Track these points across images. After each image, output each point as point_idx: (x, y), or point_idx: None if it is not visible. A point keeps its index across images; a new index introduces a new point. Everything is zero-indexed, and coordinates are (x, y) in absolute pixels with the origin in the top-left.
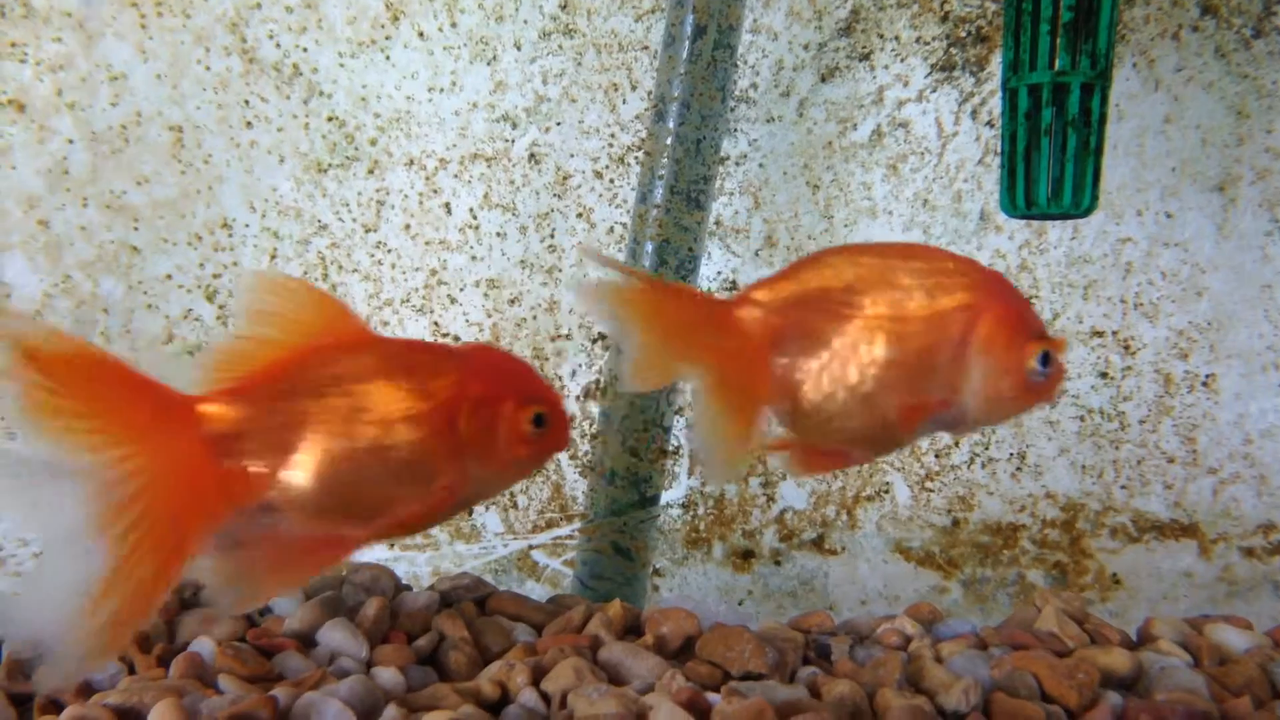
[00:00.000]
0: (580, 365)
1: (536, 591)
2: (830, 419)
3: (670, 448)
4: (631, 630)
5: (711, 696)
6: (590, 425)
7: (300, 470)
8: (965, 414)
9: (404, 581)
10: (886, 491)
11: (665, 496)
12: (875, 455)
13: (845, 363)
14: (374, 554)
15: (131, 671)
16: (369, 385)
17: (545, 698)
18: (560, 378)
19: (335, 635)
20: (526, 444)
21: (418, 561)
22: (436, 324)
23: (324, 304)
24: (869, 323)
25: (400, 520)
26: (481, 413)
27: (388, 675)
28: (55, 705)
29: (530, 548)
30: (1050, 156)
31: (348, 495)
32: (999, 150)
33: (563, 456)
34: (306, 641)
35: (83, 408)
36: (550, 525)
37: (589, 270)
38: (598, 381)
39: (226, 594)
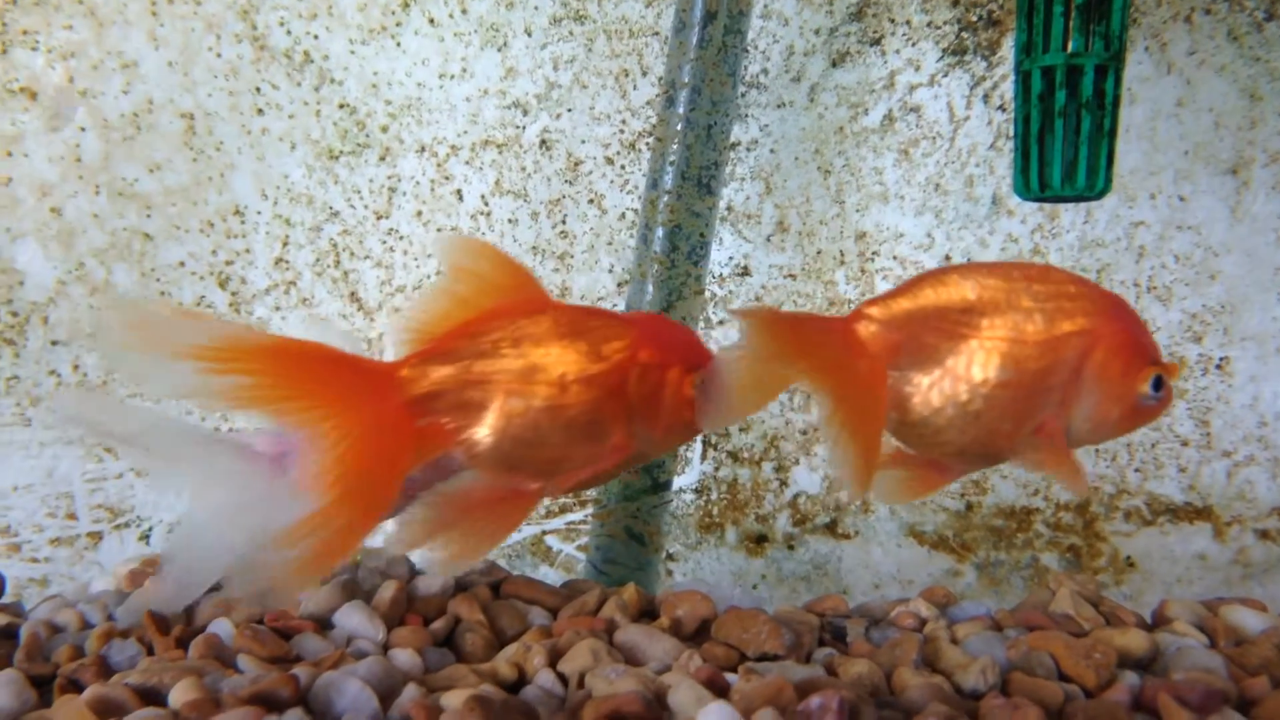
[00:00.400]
0: None
1: (550, 577)
2: (939, 433)
3: None
4: (646, 614)
5: (729, 676)
6: None
7: (484, 427)
8: (1073, 434)
9: (418, 567)
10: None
11: (678, 481)
12: (977, 469)
13: (958, 380)
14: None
15: (150, 653)
16: (546, 348)
17: (563, 679)
18: None
19: (352, 618)
20: (690, 407)
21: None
22: None
23: (510, 268)
24: (985, 343)
25: (574, 475)
26: (650, 377)
27: (405, 657)
28: (75, 685)
29: (544, 533)
30: (1064, 139)
31: (526, 450)
32: (1011, 134)
33: None
34: (323, 624)
35: (290, 390)
36: (564, 510)
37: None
38: None
39: (436, 557)
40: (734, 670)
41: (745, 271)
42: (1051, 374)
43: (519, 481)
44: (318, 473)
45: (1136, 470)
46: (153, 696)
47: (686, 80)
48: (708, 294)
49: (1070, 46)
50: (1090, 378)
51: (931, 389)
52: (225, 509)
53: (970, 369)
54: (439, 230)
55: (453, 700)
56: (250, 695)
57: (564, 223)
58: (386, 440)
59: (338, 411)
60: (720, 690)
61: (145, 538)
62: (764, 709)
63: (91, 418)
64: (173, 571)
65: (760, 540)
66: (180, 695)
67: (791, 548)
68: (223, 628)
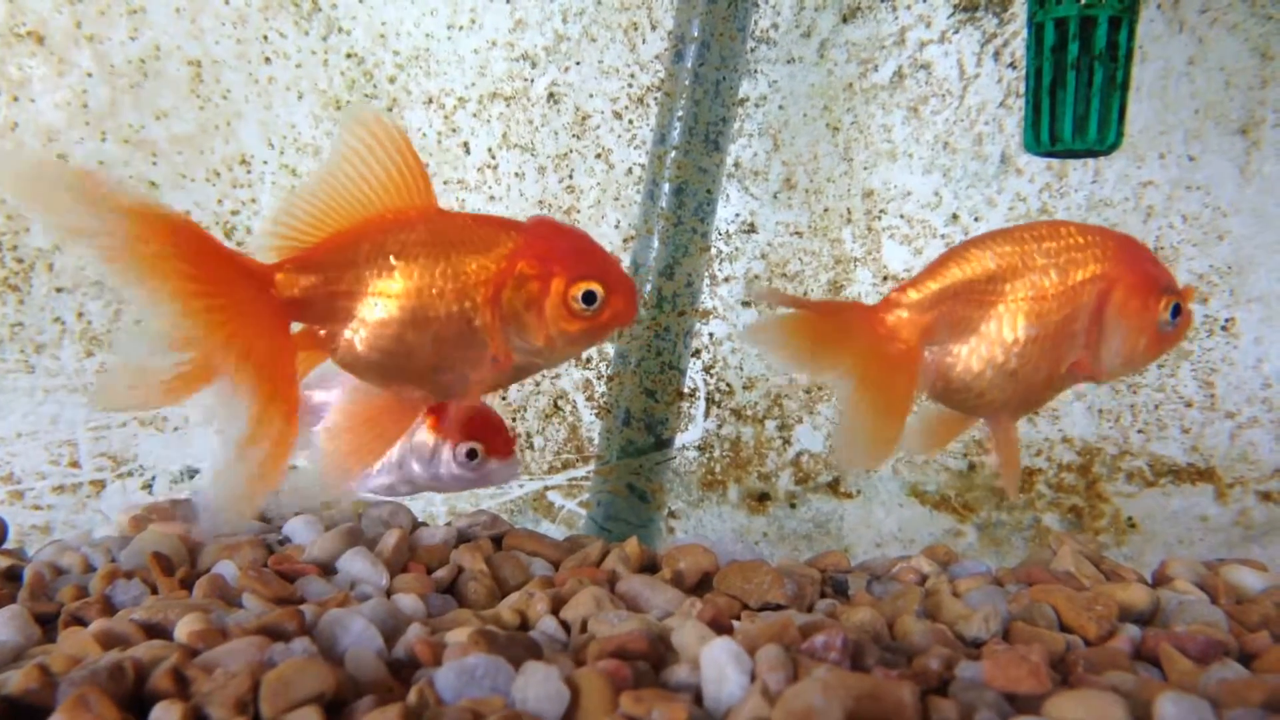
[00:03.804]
0: None
1: (552, 532)
2: (983, 394)
3: (686, 390)
4: (648, 568)
5: (734, 623)
6: (607, 366)
7: (354, 336)
8: (1104, 369)
9: (420, 520)
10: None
11: (681, 439)
12: (1020, 417)
13: (993, 344)
14: None
15: (154, 593)
16: (418, 257)
17: (565, 626)
18: None
19: (355, 564)
20: (577, 320)
21: (434, 500)
22: None
23: (404, 161)
24: (1011, 306)
25: (454, 386)
26: (528, 287)
27: (408, 601)
28: (79, 622)
29: (546, 489)
30: (1076, 92)
31: (398, 360)
32: (1021, 92)
33: (579, 396)
34: (326, 570)
35: (193, 273)
36: (566, 466)
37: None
38: None
39: (319, 472)
40: (737, 620)
41: (751, 228)
42: (1074, 320)
43: (401, 391)
44: (211, 364)
45: (1139, 431)
46: (158, 631)
47: (696, 34)
48: (713, 250)
49: None
50: (1112, 317)
51: (970, 356)
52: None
53: (1002, 332)
54: (445, 182)
55: (457, 637)
56: (257, 627)
57: (571, 177)
58: (266, 336)
59: (229, 302)
60: (724, 631)
61: (148, 486)
62: (768, 645)
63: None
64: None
65: (762, 498)
66: (186, 627)
67: (794, 506)
68: (227, 569)
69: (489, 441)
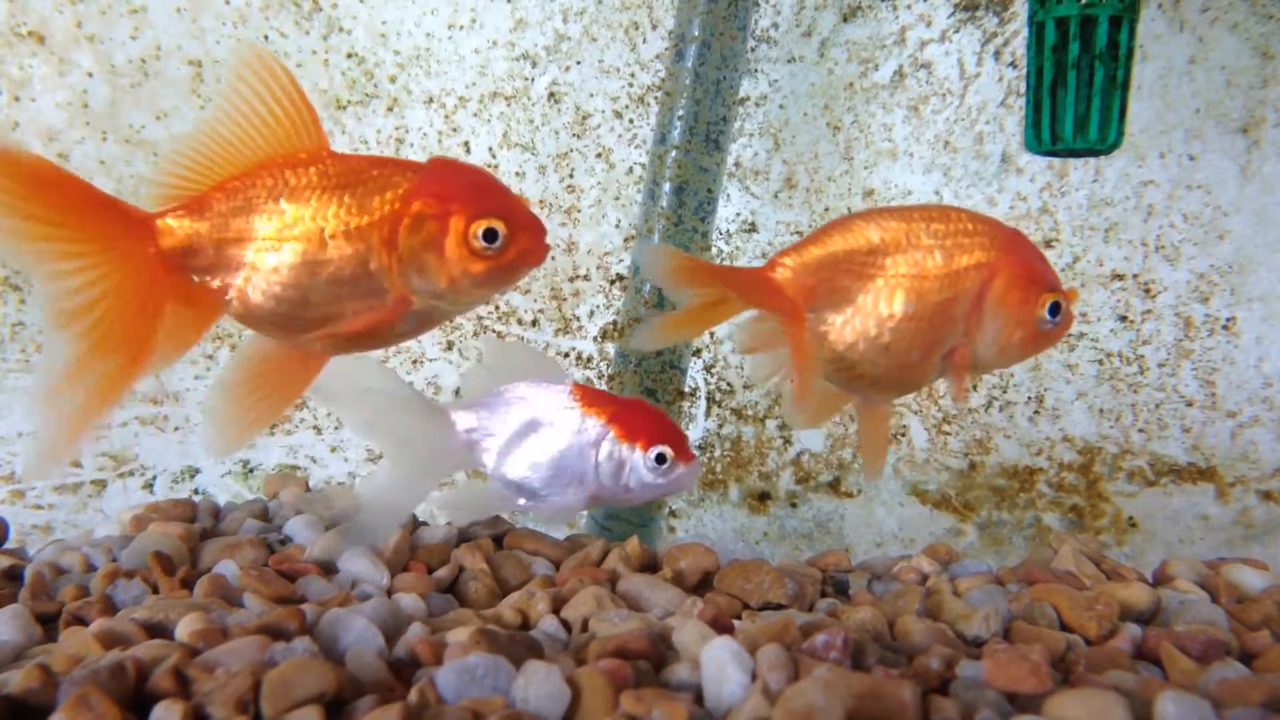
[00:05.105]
0: (598, 306)
1: (553, 532)
2: (855, 367)
3: (687, 389)
4: (649, 567)
5: (735, 623)
6: (608, 366)
7: (246, 284)
8: (980, 360)
9: (421, 519)
10: (903, 434)
11: None
12: (894, 398)
13: (868, 317)
14: None
15: (155, 592)
16: (308, 201)
17: (566, 625)
18: (578, 318)
19: (356, 563)
20: (480, 259)
21: (433, 500)
22: None
23: (292, 102)
24: (891, 281)
25: (355, 333)
26: (425, 228)
27: (409, 601)
28: (80, 621)
29: None
30: (1076, 91)
31: (293, 309)
32: (1022, 91)
33: None
34: (327, 569)
35: (49, 216)
36: None
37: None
38: (615, 322)
39: (216, 428)
40: (738, 619)
41: (752, 228)
42: (954, 304)
43: (301, 342)
44: (65, 313)
45: (1140, 431)
46: (159, 631)
47: (696, 34)
48: (714, 250)
49: None
50: (991, 306)
51: (845, 326)
52: (416, 462)
53: (878, 305)
54: None
55: (457, 636)
56: (258, 627)
57: (571, 176)
58: (138, 287)
59: (93, 250)
60: (725, 630)
61: (149, 486)
62: (769, 645)
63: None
64: (365, 512)
65: (763, 498)
66: (187, 627)
67: (794, 505)
68: (228, 569)
69: (675, 445)
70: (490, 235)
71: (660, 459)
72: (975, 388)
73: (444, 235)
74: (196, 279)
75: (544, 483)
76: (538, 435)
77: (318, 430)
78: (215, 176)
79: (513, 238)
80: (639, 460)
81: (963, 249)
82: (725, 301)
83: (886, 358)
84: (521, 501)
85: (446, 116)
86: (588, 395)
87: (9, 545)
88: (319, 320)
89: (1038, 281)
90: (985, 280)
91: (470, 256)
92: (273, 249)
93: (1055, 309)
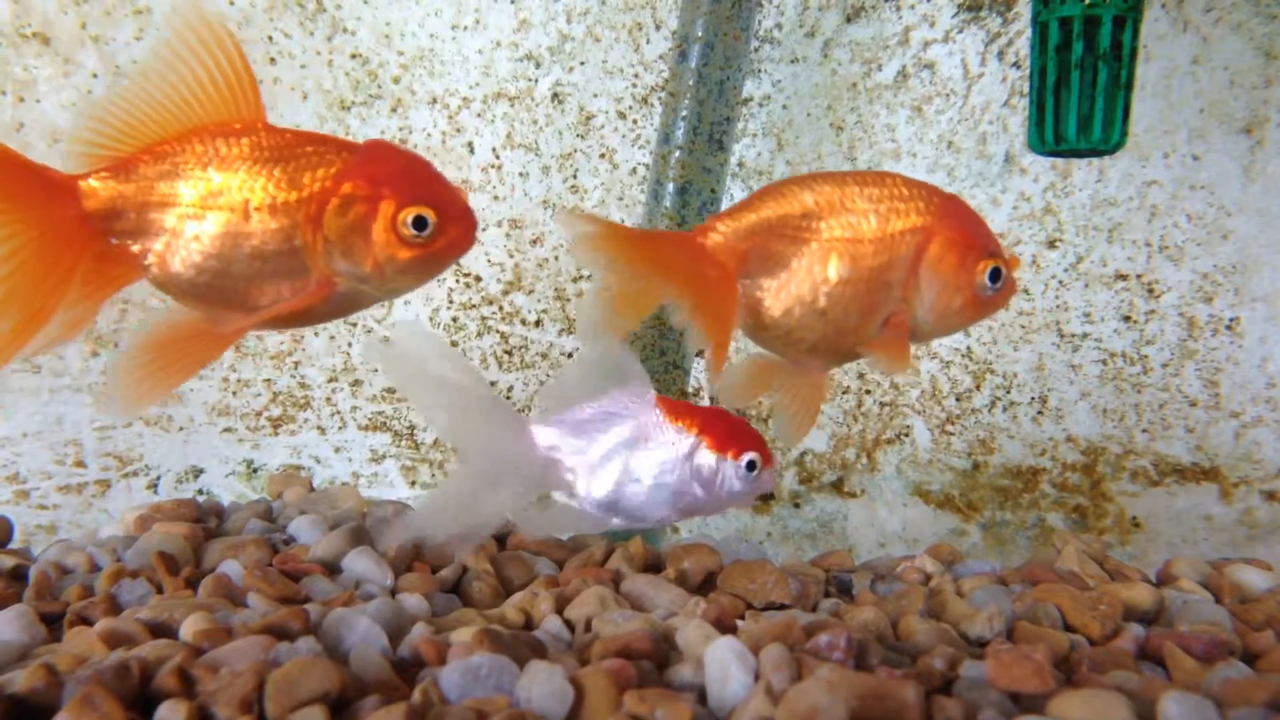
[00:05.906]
0: None
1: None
2: (791, 333)
3: (690, 389)
4: (652, 568)
5: (738, 623)
6: None
7: (166, 251)
8: (920, 326)
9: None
10: (907, 434)
11: None
12: (832, 366)
13: (803, 282)
14: (396, 493)
15: (160, 592)
16: (235, 172)
17: (569, 625)
18: None
19: (360, 563)
20: (407, 247)
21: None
22: (458, 264)
23: (233, 67)
24: (825, 245)
25: (277, 312)
26: (353, 209)
27: (413, 601)
28: (85, 621)
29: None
30: (1080, 92)
31: (213, 280)
32: (1025, 91)
33: None
34: (331, 569)
35: None
36: None
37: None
38: None
39: (114, 390)
40: (741, 619)
41: None
42: (889, 269)
43: (218, 315)
44: None
45: (1144, 430)
46: (163, 631)
47: (700, 34)
48: None
49: None
50: (928, 271)
51: (780, 292)
52: (493, 468)
53: (813, 270)
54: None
55: (461, 636)
56: (262, 626)
57: (575, 177)
58: (53, 248)
59: (4, 210)
60: (728, 630)
61: (153, 486)
62: (772, 645)
63: (389, 369)
64: (435, 511)
65: (766, 498)
66: (191, 627)
67: (797, 506)
68: (233, 568)
69: (760, 450)
70: (420, 223)
71: (751, 466)
72: (979, 387)
73: (372, 219)
74: (116, 241)
75: (639, 500)
76: (629, 452)
77: (321, 431)
78: (142, 140)
79: (442, 227)
80: (731, 470)
81: (898, 213)
82: (653, 274)
83: (823, 323)
84: (615, 521)
85: (450, 117)
86: (669, 406)
87: (14, 545)
88: (238, 294)
89: (974, 247)
90: (920, 245)
91: (397, 243)
92: (196, 217)
93: (996, 275)
